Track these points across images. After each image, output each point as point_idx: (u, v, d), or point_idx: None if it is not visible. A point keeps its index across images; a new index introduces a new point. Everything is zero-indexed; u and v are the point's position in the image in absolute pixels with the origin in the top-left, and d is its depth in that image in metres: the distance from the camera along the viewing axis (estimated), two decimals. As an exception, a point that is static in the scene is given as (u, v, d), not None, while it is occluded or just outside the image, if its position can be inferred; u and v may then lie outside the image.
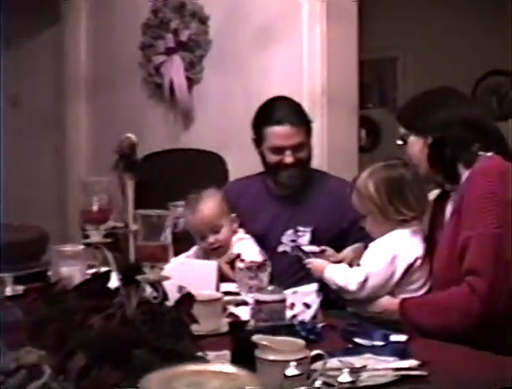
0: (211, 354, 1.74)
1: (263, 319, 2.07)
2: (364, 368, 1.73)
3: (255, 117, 2.98)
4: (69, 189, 5.05)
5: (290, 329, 2.01)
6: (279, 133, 2.86)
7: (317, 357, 1.62)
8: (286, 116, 2.87)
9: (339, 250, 2.66)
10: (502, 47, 5.80)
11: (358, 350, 1.92)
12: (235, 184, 3.25)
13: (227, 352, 1.83)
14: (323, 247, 2.63)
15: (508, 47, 5.56)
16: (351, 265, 2.47)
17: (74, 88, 5.09)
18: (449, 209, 2.40)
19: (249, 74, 4.09)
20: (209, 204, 2.87)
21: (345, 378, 1.63)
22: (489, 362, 1.89)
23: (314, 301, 2.27)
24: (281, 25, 3.93)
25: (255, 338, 1.65)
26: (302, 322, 2.13)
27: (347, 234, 2.84)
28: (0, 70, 5.10)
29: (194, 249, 2.94)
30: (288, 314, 2.18)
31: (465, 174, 2.35)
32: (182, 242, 2.71)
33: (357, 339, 2.02)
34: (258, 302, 2.11)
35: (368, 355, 1.88)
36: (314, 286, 2.33)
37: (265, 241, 2.91)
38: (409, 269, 2.36)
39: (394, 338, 2.02)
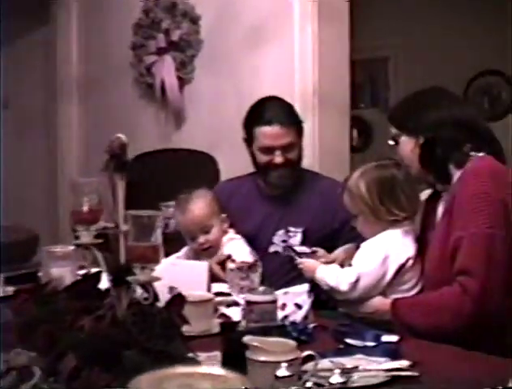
0: (202, 355, 1.74)
1: (254, 320, 2.06)
2: (355, 369, 1.73)
3: (246, 117, 2.98)
4: (60, 189, 5.03)
5: (281, 330, 2.01)
6: (268, 133, 2.86)
7: (309, 358, 1.62)
8: (276, 116, 2.87)
9: (330, 250, 2.65)
10: (502, 47, 5.79)
11: (349, 351, 1.92)
12: (226, 184, 3.24)
13: (218, 353, 1.83)
14: (314, 248, 2.62)
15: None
16: (342, 265, 2.46)
17: (66, 89, 5.07)
18: (440, 209, 2.41)
19: (240, 74, 4.08)
20: (199, 204, 2.86)
21: (336, 378, 1.64)
22: (481, 362, 1.89)
23: (306, 301, 2.27)
24: (272, 25, 3.93)
25: (246, 339, 1.65)
26: (293, 323, 2.13)
27: (338, 234, 2.83)
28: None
29: (184, 249, 2.93)
30: (280, 314, 2.17)
31: (456, 174, 2.35)
32: (173, 243, 2.71)
33: (349, 340, 2.02)
34: (249, 303, 2.10)
35: (359, 355, 1.88)
36: (306, 287, 2.32)
37: (256, 242, 2.90)
38: (401, 269, 2.36)
39: (385, 338, 2.02)
